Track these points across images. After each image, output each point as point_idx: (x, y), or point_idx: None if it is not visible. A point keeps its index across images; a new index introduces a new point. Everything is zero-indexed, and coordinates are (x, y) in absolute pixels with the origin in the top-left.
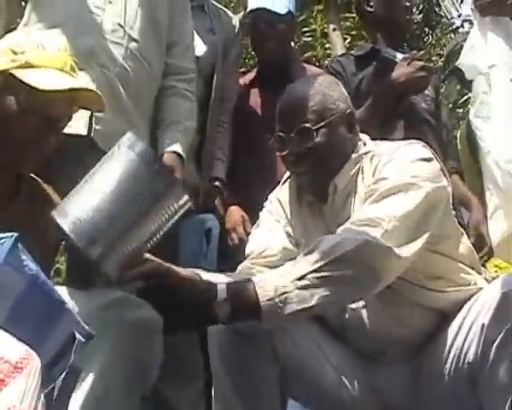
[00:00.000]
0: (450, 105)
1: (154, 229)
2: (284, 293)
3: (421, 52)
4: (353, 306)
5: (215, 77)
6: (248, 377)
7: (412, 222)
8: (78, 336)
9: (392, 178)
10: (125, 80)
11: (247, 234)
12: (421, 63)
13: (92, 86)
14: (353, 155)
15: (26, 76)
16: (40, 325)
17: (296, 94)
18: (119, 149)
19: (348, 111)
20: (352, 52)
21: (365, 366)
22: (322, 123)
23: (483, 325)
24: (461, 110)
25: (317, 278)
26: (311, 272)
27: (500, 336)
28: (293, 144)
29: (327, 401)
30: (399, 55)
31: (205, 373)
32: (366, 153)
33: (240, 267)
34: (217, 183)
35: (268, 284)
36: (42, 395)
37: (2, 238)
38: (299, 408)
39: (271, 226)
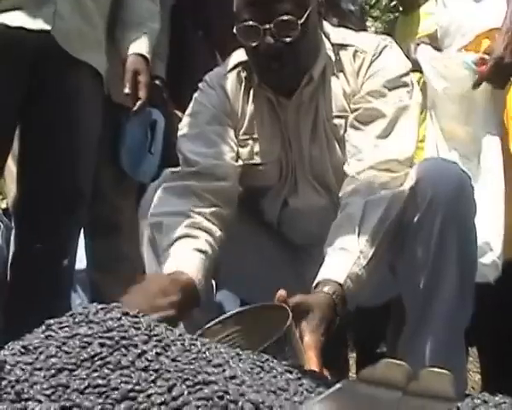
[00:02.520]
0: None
1: None
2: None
3: None
4: (291, 205)
5: None
6: None
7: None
8: None
9: (389, 97)
10: None
11: None
12: None
13: None
14: (326, 45)
15: None
16: None
17: None
18: None
19: None
20: None
21: (293, 255)
22: (306, 15)
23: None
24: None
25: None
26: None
27: (415, 219)
28: (269, 36)
29: (256, 286)
30: None
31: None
32: (345, 45)
33: (181, 183)
34: (157, 81)
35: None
36: None
37: None
38: (232, 296)
39: (218, 130)
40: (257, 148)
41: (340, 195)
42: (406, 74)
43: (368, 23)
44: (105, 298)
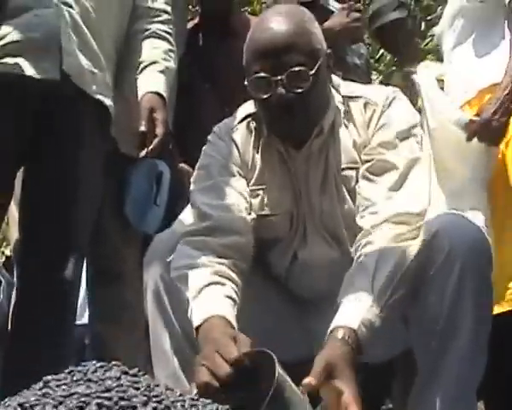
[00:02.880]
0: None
1: None
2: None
3: (358, 4)
4: (300, 257)
5: None
6: (180, 317)
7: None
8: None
9: (400, 148)
10: (88, 19)
11: None
12: (359, 15)
13: None
14: (336, 98)
15: None
16: None
17: (283, 31)
18: None
19: (328, 51)
20: None
21: (301, 309)
22: (317, 66)
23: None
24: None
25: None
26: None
27: (431, 271)
28: (281, 88)
29: (262, 340)
30: (337, 5)
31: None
32: (354, 97)
33: (197, 239)
34: None
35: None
36: None
37: None
38: None
39: (230, 181)
40: (267, 199)
41: (353, 248)
42: (415, 125)
43: (373, 77)
44: (108, 348)
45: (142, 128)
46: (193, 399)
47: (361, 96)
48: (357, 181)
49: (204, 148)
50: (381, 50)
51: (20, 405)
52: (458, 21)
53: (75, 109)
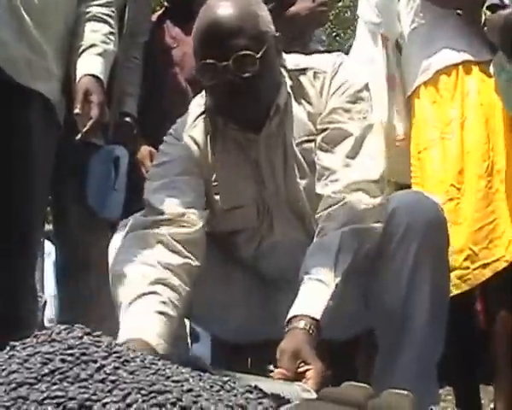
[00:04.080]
0: None
1: None
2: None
3: None
4: (267, 242)
5: (127, 10)
6: None
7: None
8: None
9: (353, 112)
10: (29, 6)
11: None
12: None
13: None
14: (284, 74)
15: None
16: None
17: (228, 16)
18: None
19: (277, 34)
20: None
21: (268, 290)
22: (263, 49)
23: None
24: None
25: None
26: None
27: (390, 248)
28: (228, 73)
29: (228, 322)
30: None
31: None
32: (303, 69)
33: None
34: (127, 119)
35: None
36: None
37: None
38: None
39: (187, 180)
40: (231, 192)
41: (316, 216)
42: (364, 88)
43: None
44: None
45: (77, 111)
46: (154, 358)
47: (309, 68)
48: (315, 152)
49: (161, 147)
50: None
51: None
52: (414, 2)
53: (16, 98)
